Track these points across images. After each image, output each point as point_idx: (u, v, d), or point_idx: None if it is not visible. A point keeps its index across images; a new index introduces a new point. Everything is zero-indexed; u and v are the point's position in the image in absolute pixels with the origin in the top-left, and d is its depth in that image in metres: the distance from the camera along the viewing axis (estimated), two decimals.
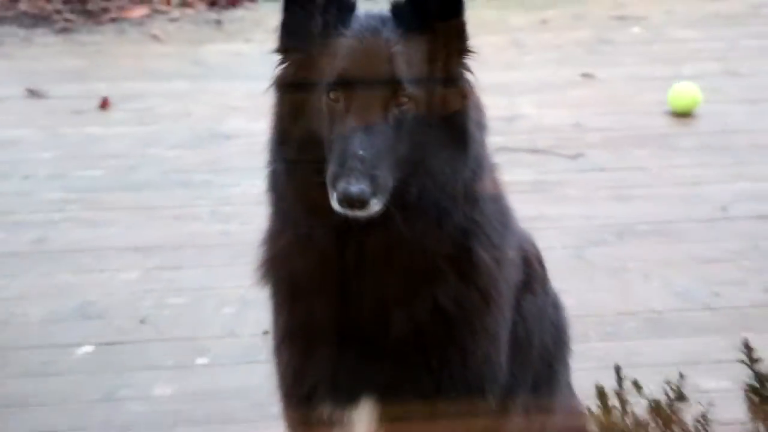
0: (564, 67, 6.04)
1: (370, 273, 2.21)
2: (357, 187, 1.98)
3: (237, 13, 6.43)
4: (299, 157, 2.17)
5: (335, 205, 2.01)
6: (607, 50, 6.29)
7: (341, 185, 1.98)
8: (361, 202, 1.99)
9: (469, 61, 2.18)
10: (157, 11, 6.23)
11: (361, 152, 2.02)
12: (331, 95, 2.09)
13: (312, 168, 2.09)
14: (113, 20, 6.19)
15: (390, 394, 2.26)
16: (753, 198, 4.56)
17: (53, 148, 5.12)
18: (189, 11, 6.21)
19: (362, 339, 2.27)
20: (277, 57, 2.23)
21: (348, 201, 1.99)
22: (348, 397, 2.28)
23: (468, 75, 2.18)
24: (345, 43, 2.12)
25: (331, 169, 2.03)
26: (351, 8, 2.19)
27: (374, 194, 2.00)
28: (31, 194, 4.67)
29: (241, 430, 3.32)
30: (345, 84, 2.08)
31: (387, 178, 2.06)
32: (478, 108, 2.23)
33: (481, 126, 2.24)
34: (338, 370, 2.29)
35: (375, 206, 2.02)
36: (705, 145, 5.14)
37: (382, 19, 2.17)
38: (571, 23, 6.66)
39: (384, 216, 2.07)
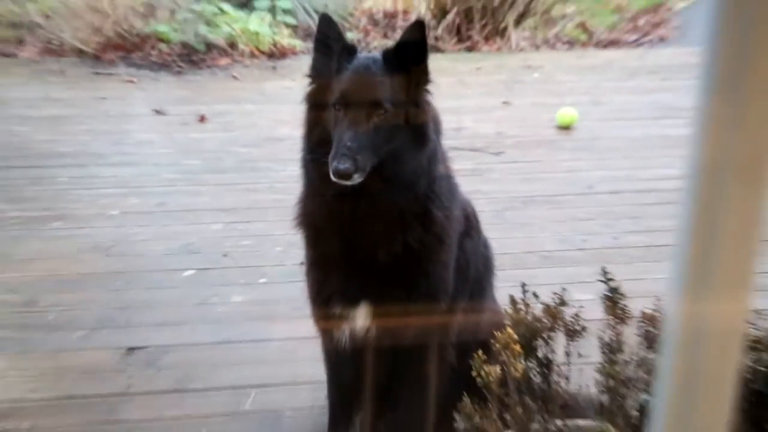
0: (491, 97, 6.95)
1: (362, 222, 2.62)
2: (343, 165, 2.40)
3: (286, 61, 7.26)
4: (317, 150, 2.57)
5: (332, 177, 2.43)
6: (518, 87, 7.22)
7: (334, 164, 2.41)
8: (346, 175, 2.42)
9: (430, 90, 2.61)
10: (236, 61, 7.11)
11: (349, 144, 2.43)
12: (336, 108, 2.52)
13: (325, 156, 2.48)
14: (208, 66, 7.03)
15: (377, 300, 2.69)
16: (608, 180, 5.57)
17: (169, 146, 5.80)
18: (256, 60, 7.09)
19: (359, 265, 2.70)
20: (307, 81, 2.69)
21: (337, 174, 2.42)
22: (351, 302, 2.71)
23: (429, 98, 2.62)
24: (347, 74, 2.55)
25: (330, 154, 2.45)
26: (353, 52, 2.60)
27: (356, 171, 2.42)
28: (156, 174, 5.36)
29: (286, 323, 3.89)
30: (344, 101, 2.51)
31: (366, 162, 2.45)
32: (436, 120, 2.66)
33: (438, 131, 2.66)
34: (344, 285, 2.73)
35: (357, 179, 2.44)
36: (579, 147, 6.11)
37: (374, 60, 2.58)
38: (495, 70, 7.58)
39: (370, 185, 2.49)
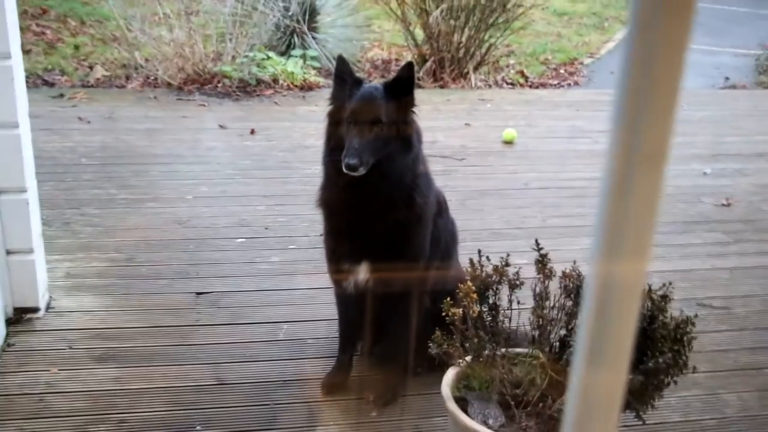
0: (456, 120, 6.82)
1: (364, 204, 2.65)
2: (352, 160, 2.46)
3: (312, 92, 7.13)
4: (334, 153, 2.59)
5: (344, 169, 2.49)
6: (476, 113, 7.06)
7: (346, 160, 2.46)
8: (354, 168, 2.46)
9: (415, 112, 2.65)
10: (277, 91, 7.03)
11: (356, 146, 2.48)
12: (348, 122, 2.56)
13: (339, 157, 2.51)
14: (258, 95, 6.97)
15: (374, 260, 2.72)
16: (538, 180, 5.48)
17: (229, 150, 5.73)
18: (291, 92, 7.00)
19: (361, 234, 2.72)
20: (327, 105, 2.73)
21: (348, 167, 2.47)
22: (355, 261, 2.74)
23: (414, 117, 2.64)
24: (356, 99, 2.57)
25: (343, 154, 2.49)
26: (360, 83, 2.64)
27: (361, 165, 2.47)
28: (220, 170, 5.31)
29: (308, 277, 3.82)
30: (354, 117, 2.55)
31: (368, 159, 2.49)
32: (419, 132, 2.69)
33: (420, 140, 2.69)
34: (351, 248, 2.76)
35: (362, 171, 2.48)
36: (518, 156, 6.03)
37: (376, 88, 2.62)
38: (460, 101, 7.41)
39: (370, 178, 2.53)
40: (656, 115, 0.75)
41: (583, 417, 0.85)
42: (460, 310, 2.37)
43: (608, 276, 0.81)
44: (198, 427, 2.80)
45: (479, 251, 2.60)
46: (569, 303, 2.44)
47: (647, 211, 0.79)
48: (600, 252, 0.81)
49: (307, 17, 8.08)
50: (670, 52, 0.74)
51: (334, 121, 2.67)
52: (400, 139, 2.61)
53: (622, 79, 0.76)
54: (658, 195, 0.78)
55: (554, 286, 2.48)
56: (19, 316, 3.40)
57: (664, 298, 2.37)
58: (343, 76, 2.67)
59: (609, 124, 0.78)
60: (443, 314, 2.39)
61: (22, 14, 9.18)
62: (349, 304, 2.95)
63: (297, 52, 7.92)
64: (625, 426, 2.61)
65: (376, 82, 3.00)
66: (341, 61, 2.71)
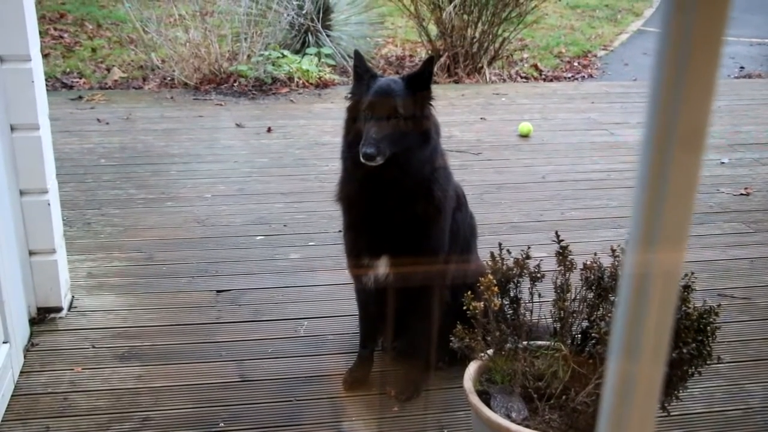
0: (471, 115, 6.71)
1: (383, 197, 2.62)
2: (369, 150, 2.43)
3: (327, 90, 7.07)
4: (352, 146, 2.57)
5: (361, 159, 2.45)
6: (491, 108, 6.95)
7: (363, 149, 2.43)
8: (371, 157, 2.43)
9: (432, 105, 2.63)
10: (293, 90, 6.98)
11: (373, 135, 2.46)
12: (365, 113, 2.54)
13: (357, 150, 2.49)
14: (274, 94, 6.92)
15: (394, 254, 2.69)
16: (555, 173, 5.40)
17: (246, 149, 5.68)
18: (306, 89, 6.93)
19: (381, 228, 2.69)
20: (346, 101, 2.70)
21: (365, 156, 2.43)
22: (375, 255, 2.71)
23: (432, 111, 2.62)
24: (373, 90, 2.56)
25: (360, 144, 2.46)
26: (376, 77, 2.62)
27: (378, 154, 2.44)
28: (237, 169, 5.27)
29: (328, 273, 3.80)
30: (371, 107, 2.53)
31: (385, 149, 2.45)
32: (437, 126, 2.66)
33: (438, 134, 2.67)
34: (370, 242, 2.74)
35: (379, 160, 2.45)
36: (534, 149, 5.91)
37: (394, 81, 2.61)
38: (474, 96, 7.30)
39: (389, 171, 2.51)
40: (694, 100, 0.72)
41: (620, 409, 0.83)
42: (481, 303, 2.34)
43: (645, 264, 0.78)
44: (221, 424, 2.79)
45: (500, 244, 2.57)
46: (590, 295, 2.42)
47: (685, 197, 0.77)
48: (637, 240, 0.78)
49: (321, 15, 8.05)
50: (708, 33, 0.72)
51: (353, 115, 2.65)
52: (418, 132, 2.58)
53: (658, 63, 0.73)
54: (694, 181, 0.76)
55: (575, 278, 2.46)
56: (43, 316, 3.42)
57: (687, 288, 2.37)
58: (360, 71, 2.66)
59: (645, 111, 0.75)
60: (464, 308, 2.36)
61: (41, 18, 9.20)
62: (370, 299, 2.92)
63: (312, 50, 7.90)
64: None
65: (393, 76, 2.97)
66: (357, 56, 2.69)
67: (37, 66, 3.19)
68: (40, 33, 3.49)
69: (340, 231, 2.96)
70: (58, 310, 3.45)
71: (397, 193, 2.63)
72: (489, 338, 2.38)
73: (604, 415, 0.84)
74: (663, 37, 0.72)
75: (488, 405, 2.30)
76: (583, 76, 8.83)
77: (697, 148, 0.74)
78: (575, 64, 9.27)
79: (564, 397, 2.31)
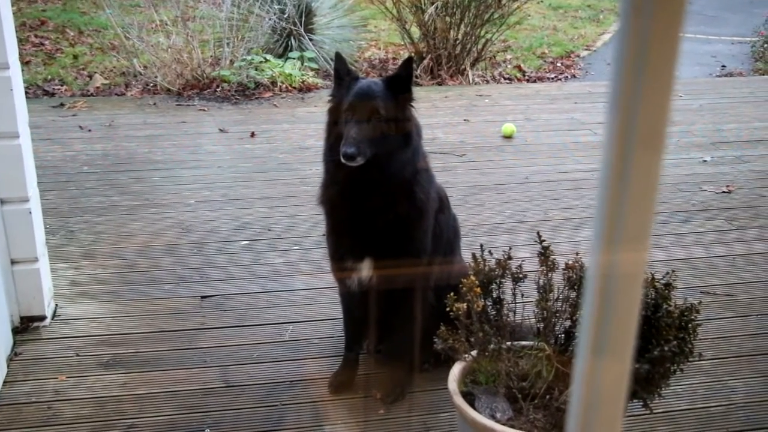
0: (455, 116, 6.75)
1: (365, 199, 2.62)
2: (350, 149, 2.43)
3: (310, 94, 7.09)
4: (333, 148, 2.56)
5: (342, 159, 2.44)
6: (474, 109, 6.97)
7: (343, 149, 2.43)
8: (351, 157, 2.43)
9: (413, 107, 2.64)
10: (275, 94, 7.00)
11: (354, 135, 2.46)
12: (346, 113, 2.53)
13: (338, 152, 2.48)
14: (257, 98, 6.94)
15: (377, 256, 2.69)
16: (538, 173, 5.44)
17: (230, 154, 5.67)
18: (290, 94, 6.97)
19: (363, 231, 2.69)
20: (327, 103, 2.71)
21: (345, 156, 2.43)
22: (358, 258, 2.71)
23: (413, 113, 2.64)
24: (354, 91, 2.56)
25: (341, 143, 2.46)
26: (357, 78, 2.63)
27: (359, 154, 2.44)
28: (221, 174, 5.26)
29: (312, 277, 3.81)
30: (352, 108, 2.53)
31: (366, 149, 2.46)
32: (418, 127, 2.67)
33: (420, 135, 2.68)
34: (353, 245, 2.73)
35: (360, 160, 2.45)
36: (517, 150, 5.95)
37: (375, 83, 2.62)
38: (457, 97, 7.32)
39: (370, 172, 2.52)
40: (651, 100, 0.74)
41: (588, 406, 0.84)
42: (464, 304, 2.35)
43: (609, 265, 0.79)
44: (207, 430, 2.80)
45: (482, 245, 2.58)
46: (573, 294, 2.43)
47: (646, 197, 0.78)
48: (600, 241, 0.80)
49: (303, 19, 8.06)
50: (664, 36, 0.74)
51: (334, 118, 2.65)
52: (399, 133, 2.58)
53: (616, 66, 0.75)
54: (655, 181, 0.77)
55: (557, 278, 2.47)
56: (26, 325, 3.41)
57: (668, 286, 2.39)
58: (340, 73, 2.65)
59: (606, 113, 0.77)
60: (447, 309, 2.37)
61: (21, 26, 9.18)
62: (354, 302, 2.92)
63: (294, 54, 7.91)
64: (632, 415, 2.60)
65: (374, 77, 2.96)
66: (338, 58, 2.70)
67: (15, 74, 3.18)
68: (21, 40, 3.50)
69: (323, 235, 2.97)
70: (42, 318, 3.44)
71: (378, 196, 2.63)
72: (473, 339, 2.39)
73: (573, 414, 0.85)
74: (621, 39, 0.74)
75: (473, 406, 2.31)
76: (566, 77, 8.89)
77: (658, 148, 0.76)
78: (558, 64, 9.34)
79: (548, 396, 2.33)
